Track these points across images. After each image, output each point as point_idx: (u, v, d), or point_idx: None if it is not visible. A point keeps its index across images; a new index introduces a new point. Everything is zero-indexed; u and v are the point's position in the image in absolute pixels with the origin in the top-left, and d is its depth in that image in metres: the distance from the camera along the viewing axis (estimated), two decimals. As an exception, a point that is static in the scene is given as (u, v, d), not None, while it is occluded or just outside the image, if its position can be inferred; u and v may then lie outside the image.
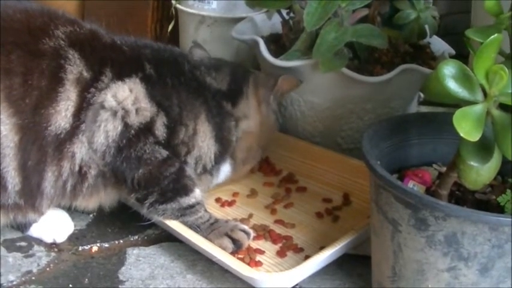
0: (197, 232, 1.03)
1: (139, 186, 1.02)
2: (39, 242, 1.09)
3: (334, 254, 0.99)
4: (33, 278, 1.01)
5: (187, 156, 1.07)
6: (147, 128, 1.01)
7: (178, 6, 1.58)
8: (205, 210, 1.07)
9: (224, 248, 1.00)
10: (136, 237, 1.12)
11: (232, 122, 1.12)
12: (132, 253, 1.08)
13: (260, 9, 1.43)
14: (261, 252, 1.04)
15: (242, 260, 1.00)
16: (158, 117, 1.02)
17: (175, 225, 1.04)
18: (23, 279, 1.01)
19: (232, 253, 1.00)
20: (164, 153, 1.02)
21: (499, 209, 0.86)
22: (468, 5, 1.49)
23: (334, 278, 1.03)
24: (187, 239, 1.02)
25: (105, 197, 1.07)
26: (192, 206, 1.04)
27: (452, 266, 0.79)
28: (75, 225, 1.13)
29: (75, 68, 0.97)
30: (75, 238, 1.11)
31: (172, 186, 1.03)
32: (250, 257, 1.02)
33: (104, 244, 1.10)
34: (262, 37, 1.27)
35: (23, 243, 1.09)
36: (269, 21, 1.38)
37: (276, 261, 1.03)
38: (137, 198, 1.03)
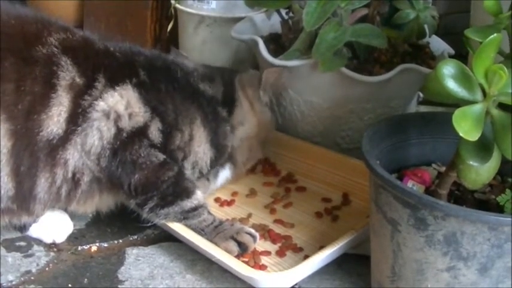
0: (201, 235, 1.02)
1: (137, 192, 1.01)
2: (39, 241, 1.09)
3: (333, 253, 0.98)
4: (33, 277, 1.01)
5: (184, 161, 1.06)
6: (140, 132, 1.00)
7: (177, 6, 1.59)
8: (209, 213, 1.06)
9: (229, 252, 0.99)
10: (135, 237, 1.12)
11: (227, 127, 1.12)
12: (132, 253, 1.08)
13: (259, 9, 1.43)
14: (268, 254, 1.04)
15: (247, 263, 0.98)
16: (152, 122, 1.02)
17: (175, 226, 1.03)
18: (22, 279, 1.01)
19: (237, 256, 1.00)
20: (161, 156, 1.01)
21: (499, 209, 0.86)
22: (467, 5, 1.49)
23: (334, 278, 1.03)
24: (187, 239, 1.01)
25: (100, 202, 1.06)
26: (194, 209, 1.04)
27: (452, 265, 0.79)
28: (74, 225, 1.13)
29: (67, 74, 0.97)
30: (74, 238, 1.11)
31: (172, 190, 1.02)
32: (255, 261, 1.01)
33: (103, 244, 1.10)
34: (261, 37, 1.27)
35: (23, 243, 1.09)
36: (268, 21, 1.38)
37: (275, 260, 1.03)
38: (137, 203, 1.03)
